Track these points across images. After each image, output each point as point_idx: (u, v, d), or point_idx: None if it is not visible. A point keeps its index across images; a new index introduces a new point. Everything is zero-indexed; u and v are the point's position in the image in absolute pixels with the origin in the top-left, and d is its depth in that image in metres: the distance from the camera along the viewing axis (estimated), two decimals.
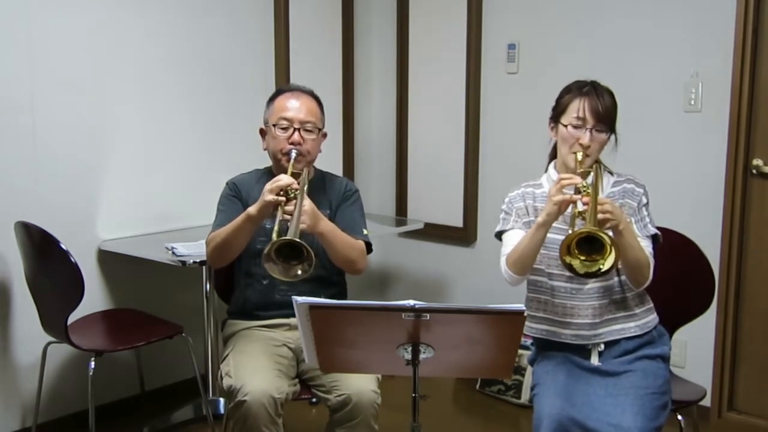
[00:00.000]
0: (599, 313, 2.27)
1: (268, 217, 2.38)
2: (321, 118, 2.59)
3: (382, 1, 4.28)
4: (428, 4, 4.10)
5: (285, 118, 2.51)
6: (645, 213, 2.30)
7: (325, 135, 2.63)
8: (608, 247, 1.98)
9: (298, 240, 2.14)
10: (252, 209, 2.36)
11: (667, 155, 3.36)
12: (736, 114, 3.17)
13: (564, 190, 2.13)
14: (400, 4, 4.20)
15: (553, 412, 2.13)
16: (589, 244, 2.01)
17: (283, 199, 2.30)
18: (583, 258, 2.02)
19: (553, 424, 2.11)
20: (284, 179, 2.33)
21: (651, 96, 3.37)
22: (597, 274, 2.03)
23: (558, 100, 2.33)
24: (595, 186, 2.13)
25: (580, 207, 2.10)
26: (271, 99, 2.60)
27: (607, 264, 2.00)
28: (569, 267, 2.03)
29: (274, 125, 2.53)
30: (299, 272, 2.17)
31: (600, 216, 2.05)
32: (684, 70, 3.28)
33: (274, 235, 2.21)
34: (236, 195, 2.59)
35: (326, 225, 2.39)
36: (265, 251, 2.14)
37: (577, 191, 2.13)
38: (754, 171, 3.22)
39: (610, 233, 2.06)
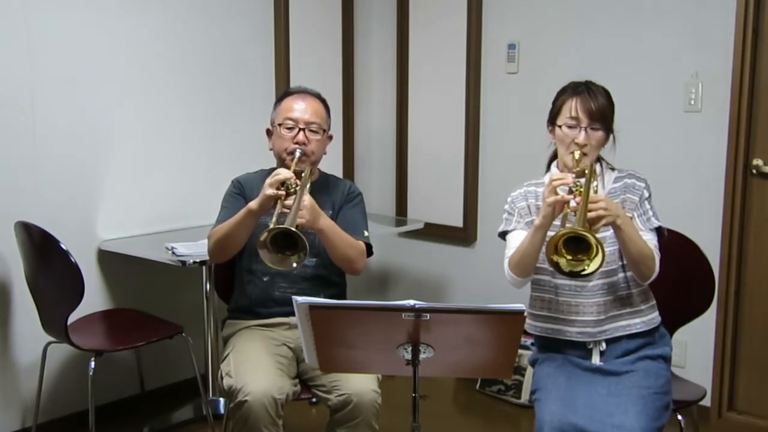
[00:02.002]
0: (604, 310, 2.27)
1: (269, 215, 2.38)
2: (327, 120, 2.61)
3: (382, 1, 4.28)
4: (428, 4, 4.10)
5: (290, 118, 2.54)
6: (647, 206, 2.29)
7: (330, 137, 2.65)
8: (594, 248, 1.97)
9: (292, 229, 2.15)
10: (253, 204, 2.38)
11: (667, 155, 3.36)
12: (736, 114, 3.17)
13: (558, 190, 2.13)
14: (400, 5, 4.20)
15: (554, 419, 2.13)
16: (576, 244, 2.00)
17: (283, 193, 2.33)
18: (569, 257, 2.02)
19: (554, 431, 2.11)
20: (283, 172, 2.37)
21: (651, 96, 3.37)
22: (581, 275, 2.02)
23: (554, 102, 2.33)
24: (587, 184, 2.11)
25: (573, 206, 2.10)
26: (279, 100, 2.64)
27: (592, 266, 1.99)
28: (555, 265, 2.02)
29: (279, 125, 2.56)
30: (294, 264, 2.20)
31: (593, 214, 2.04)
32: (684, 70, 3.28)
33: (271, 225, 2.22)
34: (240, 193, 2.61)
35: (326, 222, 2.41)
36: (261, 238, 2.16)
37: (571, 191, 2.12)
38: (754, 171, 3.22)
39: (599, 235, 2.05)
